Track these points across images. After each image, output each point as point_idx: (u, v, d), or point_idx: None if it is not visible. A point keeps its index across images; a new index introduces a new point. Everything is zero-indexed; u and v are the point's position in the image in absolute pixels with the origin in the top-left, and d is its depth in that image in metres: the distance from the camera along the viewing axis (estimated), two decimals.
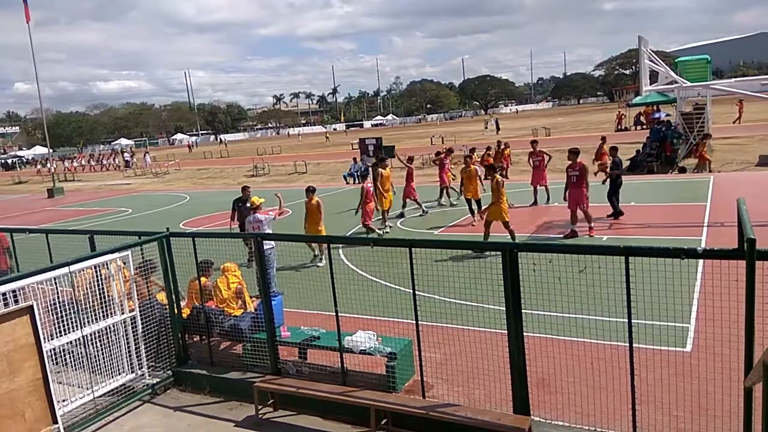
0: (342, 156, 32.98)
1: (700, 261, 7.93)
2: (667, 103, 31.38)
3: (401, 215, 16.96)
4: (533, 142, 17.89)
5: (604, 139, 19.99)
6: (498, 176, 12.20)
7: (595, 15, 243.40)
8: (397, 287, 8.42)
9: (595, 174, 16.00)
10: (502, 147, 24.29)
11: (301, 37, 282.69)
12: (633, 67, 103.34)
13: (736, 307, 4.38)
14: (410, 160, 17.85)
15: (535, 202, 17.01)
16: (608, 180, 14.22)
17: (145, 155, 54.41)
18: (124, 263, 6.98)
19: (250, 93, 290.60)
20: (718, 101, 30.61)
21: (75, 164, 61.03)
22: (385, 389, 6.09)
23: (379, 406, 5.77)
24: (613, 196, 14.02)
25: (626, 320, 4.73)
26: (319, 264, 11.96)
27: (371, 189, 14.07)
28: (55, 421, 5.29)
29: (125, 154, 55.80)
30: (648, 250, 4.65)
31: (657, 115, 30.54)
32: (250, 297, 7.80)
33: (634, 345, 4.78)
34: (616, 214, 14.04)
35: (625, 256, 4.62)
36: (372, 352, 6.31)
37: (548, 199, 17.02)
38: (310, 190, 12.25)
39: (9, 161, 78.87)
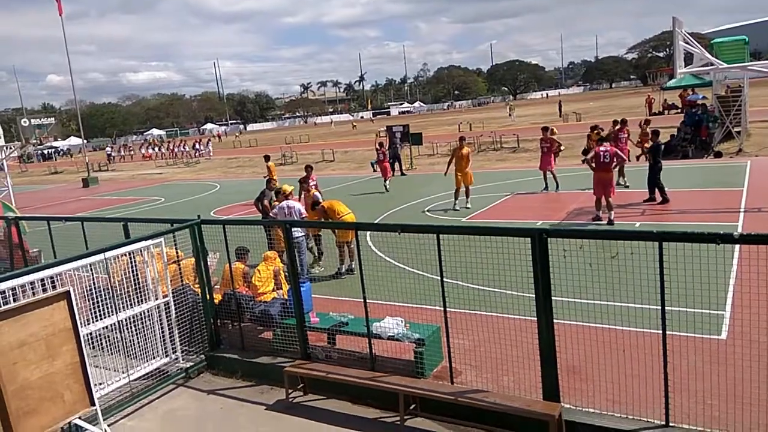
0: (369, 144, 32.93)
1: (736, 247, 7.74)
2: (702, 86, 30.45)
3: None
4: (544, 129, 17.68)
5: (647, 122, 19.31)
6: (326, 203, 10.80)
7: None
8: (424, 274, 8.40)
9: (637, 158, 17.70)
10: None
11: (326, 25, 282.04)
12: (667, 49, 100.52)
13: None
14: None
15: (546, 188, 17.04)
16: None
17: (194, 143, 54.78)
18: (158, 250, 7.11)
19: (278, 82, 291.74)
20: (753, 84, 29.55)
21: (150, 152, 61.27)
22: (413, 375, 6.11)
23: (408, 391, 5.79)
24: (653, 180, 13.81)
25: (659, 307, 4.64)
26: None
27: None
28: (93, 404, 5.43)
29: (197, 143, 56.38)
30: (682, 235, 4.54)
31: (693, 97, 29.70)
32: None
33: (667, 332, 4.70)
34: (651, 198, 13.89)
35: (659, 242, 4.53)
36: (400, 338, 6.33)
37: (557, 186, 16.93)
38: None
39: (46, 152, 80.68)
